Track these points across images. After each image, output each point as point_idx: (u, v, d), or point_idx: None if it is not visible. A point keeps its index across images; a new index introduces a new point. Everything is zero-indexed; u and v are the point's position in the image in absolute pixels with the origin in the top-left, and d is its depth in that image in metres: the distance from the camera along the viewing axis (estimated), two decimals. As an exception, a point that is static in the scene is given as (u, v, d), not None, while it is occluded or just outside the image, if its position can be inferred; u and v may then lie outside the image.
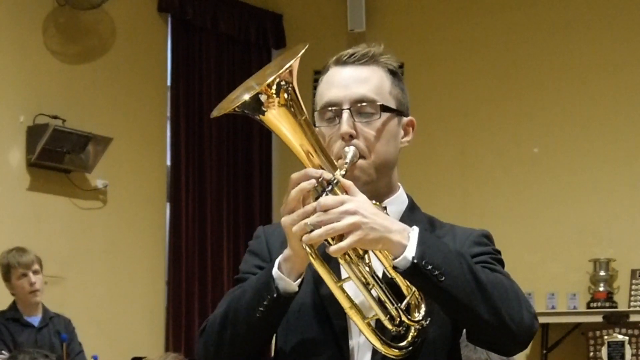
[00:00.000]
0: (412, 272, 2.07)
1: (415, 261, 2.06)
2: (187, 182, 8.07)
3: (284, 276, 2.17)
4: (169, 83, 8.12)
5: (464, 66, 8.23)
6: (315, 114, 2.32)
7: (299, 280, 2.19)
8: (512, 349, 2.19)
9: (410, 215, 2.34)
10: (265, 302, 2.17)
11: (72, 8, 7.25)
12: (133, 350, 6.93)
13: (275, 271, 2.18)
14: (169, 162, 8.07)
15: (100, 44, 7.62)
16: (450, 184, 8.14)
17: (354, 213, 2.07)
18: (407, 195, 2.39)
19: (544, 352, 7.57)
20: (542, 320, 7.60)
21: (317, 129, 2.28)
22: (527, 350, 7.72)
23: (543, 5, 8.06)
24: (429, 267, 2.06)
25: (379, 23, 8.46)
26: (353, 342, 2.22)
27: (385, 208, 2.26)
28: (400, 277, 2.14)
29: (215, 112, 2.18)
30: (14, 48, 7.05)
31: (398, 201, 2.35)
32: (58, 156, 7.04)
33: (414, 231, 2.11)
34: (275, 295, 2.16)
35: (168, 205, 8.03)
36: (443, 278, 2.06)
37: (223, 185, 8.32)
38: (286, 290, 2.17)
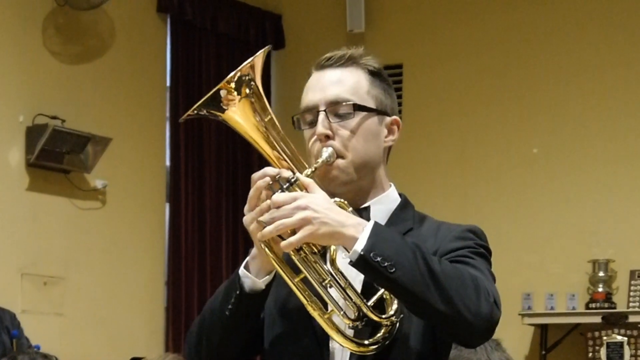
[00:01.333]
0: (362, 264, 2.08)
1: (362, 253, 2.07)
2: (186, 182, 8.07)
3: (250, 274, 2.22)
4: (168, 83, 8.12)
5: (464, 66, 8.22)
6: (298, 118, 2.35)
7: (267, 277, 2.23)
8: (472, 339, 2.18)
9: (400, 213, 2.35)
10: (232, 300, 2.22)
11: (71, 8, 7.24)
12: (132, 350, 6.93)
13: (241, 269, 2.24)
14: (168, 163, 8.07)
15: (99, 44, 7.62)
16: (450, 184, 8.14)
17: (304, 208, 2.09)
18: (400, 194, 2.40)
19: (543, 352, 7.57)
20: (540, 320, 7.62)
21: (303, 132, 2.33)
22: (525, 351, 7.74)
23: (543, 5, 8.05)
24: (378, 258, 2.07)
25: (378, 23, 8.46)
26: (334, 345, 2.23)
27: (368, 213, 2.28)
28: None
29: (182, 118, 2.24)
30: (13, 48, 7.05)
31: (387, 200, 2.36)
32: (57, 156, 7.03)
33: (369, 225, 2.12)
34: (238, 292, 2.21)
35: (167, 205, 8.03)
36: (393, 269, 2.07)
37: (222, 186, 8.32)
38: (252, 288, 2.22)
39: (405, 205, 2.38)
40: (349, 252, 2.11)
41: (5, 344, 5.91)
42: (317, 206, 2.10)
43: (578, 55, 7.91)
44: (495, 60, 8.15)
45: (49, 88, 7.20)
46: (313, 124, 2.30)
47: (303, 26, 8.77)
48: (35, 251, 7.04)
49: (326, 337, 2.23)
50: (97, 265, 7.42)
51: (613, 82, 7.79)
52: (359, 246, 2.08)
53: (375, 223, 2.13)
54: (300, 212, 2.09)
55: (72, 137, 7.07)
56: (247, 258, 2.25)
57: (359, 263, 2.08)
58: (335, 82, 2.31)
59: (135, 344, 7.46)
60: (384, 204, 2.35)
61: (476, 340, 2.19)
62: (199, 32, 8.29)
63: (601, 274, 7.56)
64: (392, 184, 2.40)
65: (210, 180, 8.23)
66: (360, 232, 2.10)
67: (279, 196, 2.12)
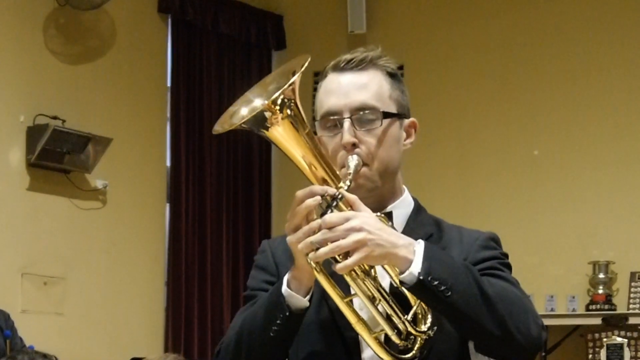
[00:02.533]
0: (419, 287, 2.07)
1: (421, 277, 2.06)
2: (186, 183, 8.07)
3: (294, 293, 2.17)
4: (169, 84, 8.12)
5: (465, 68, 8.22)
6: (316, 123, 2.31)
7: (309, 295, 2.19)
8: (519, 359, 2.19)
9: (417, 217, 2.34)
10: (278, 321, 2.17)
11: (72, 8, 7.25)
12: (132, 350, 6.93)
13: (285, 289, 2.18)
14: (168, 163, 8.07)
15: (100, 45, 7.62)
16: (450, 186, 8.14)
17: (359, 230, 2.06)
18: (412, 197, 2.39)
19: (543, 354, 7.56)
20: (541, 322, 7.61)
21: (317, 137, 2.28)
22: (526, 353, 7.73)
23: (543, 7, 8.06)
24: (435, 282, 2.06)
25: (379, 24, 8.46)
26: (364, 356, 2.22)
27: (391, 218, 2.26)
28: None
29: (219, 128, 2.18)
30: (15, 48, 7.05)
31: (403, 204, 2.35)
32: (58, 156, 7.03)
33: (420, 245, 2.10)
34: (287, 313, 2.16)
35: (168, 206, 8.02)
36: (449, 293, 2.06)
37: (223, 186, 8.32)
38: (297, 307, 2.18)
39: (419, 209, 2.37)
40: (398, 272, 2.10)
41: None
42: (370, 227, 2.07)
43: (579, 57, 7.91)
44: (496, 62, 8.15)
45: (49, 88, 7.21)
46: (334, 129, 2.27)
47: (304, 27, 8.77)
48: (36, 251, 7.04)
49: (357, 349, 2.22)
50: (97, 265, 7.42)
51: (614, 84, 7.79)
52: (416, 269, 2.07)
53: (426, 244, 2.12)
54: (355, 234, 2.05)
55: (72, 137, 7.07)
56: (287, 276, 2.19)
57: (416, 286, 2.07)
58: (359, 87, 2.27)
59: (135, 344, 7.46)
60: (402, 208, 2.34)
61: None
62: (200, 32, 8.29)
63: (601, 275, 7.56)
64: (406, 188, 2.39)
65: (210, 180, 8.23)
66: (412, 254, 2.08)
67: (331, 217, 2.07)
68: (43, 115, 7.08)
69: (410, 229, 2.27)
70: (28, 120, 7.04)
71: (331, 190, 2.12)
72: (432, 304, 2.12)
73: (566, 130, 7.89)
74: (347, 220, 2.07)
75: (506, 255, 2.30)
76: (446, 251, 2.21)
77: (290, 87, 2.14)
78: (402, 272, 2.09)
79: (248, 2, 8.63)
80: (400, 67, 8.29)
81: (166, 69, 8.12)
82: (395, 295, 2.16)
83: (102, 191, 7.48)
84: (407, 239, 2.12)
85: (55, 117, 7.10)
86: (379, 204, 2.27)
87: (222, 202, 8.29)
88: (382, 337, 2.16)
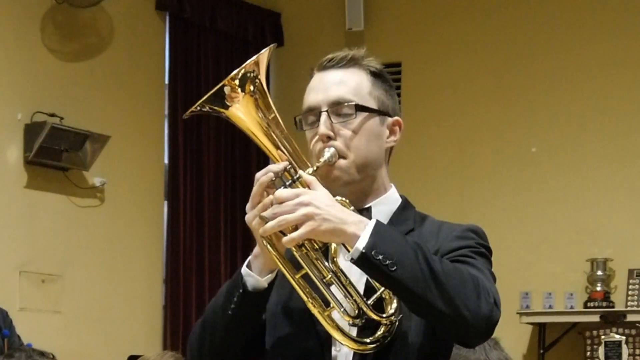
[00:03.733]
0: (363, 262, 2.09)
1: (364, 251, 2.07)
2: (184, 180, 8.06)
3: (253, 273, 2.22)
4: (166, 81, 8.11)
5: (463, 65, 8.22)
6: (300, 119, 2.35)
7: (269, 276, 2.22)
8: (471, 339, 2.18)
9: (401, 214, 2.35)
10: (235, 299, 2.22)
11: (70, 6, 7.24)
12: (130, 348, 6.92)
13: (243, 268, 2.24)
14: (166, 160, 8.06)
15: (98, 42, 7.61)
16: (448, 183, 8.14)
17: (307, 204, 2.09)
18: (400, 195, 2.40)
19: (541, 351, 7.57)
20: (539, 319, 7.62)
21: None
22: (524, 350, 7.74)
23: (542, 5, 8.06)
24: (379, 257, 2.07)
25: (377, 22, 8.45)
26: (337, 347, 2.23)
27: (367, 210, 2.28)
28: None
29: (186, 114, 2.25)
30: (12, 45, 7.04)
31: (387, 201, 2.36)
32: (55, 154, 7.03)
33: (371, 223, 2.12)
34: (241, 291, 2.21)
35: (166, 203, 8.02)
36: (395, 268, 2.07)
37: (221, 184, 8.32)
38: (255, 287, 2.22)
39: (405, 206, 2.38)
40: (349, 250, 2.11)
41: None
42: (319, 202, 2.10)
43: (577, 53, 7.91)
44: (494, 59, 8.15)
45: (47, 85, 7.20)
46: (315, 124, 2.30)
47: (302, 24, 8.76)
48: (33, 249, 7.04)
49: (329, 340, 2.22)
50: (95, 263, 7.41)
51: (612, 81, 7.79)
52: (361, 244, 2.08)
53: (377, 221, 2.13)
54: (303, 208, 2.09)
55: (70, 134, 7.06)
56: (250, 257, 2.25)
57: (360, 261, 2.08)
58: (337, 83, 2.31)
59: (133, 341, 7.46)
60: (385, 204, 2.35)
61: (475, 340, 2.19)
62: (198, 30, 8.28)
63: (599, 272, 7.56)
64: (393, 185, 2.40)
65: (208, 177, 8.23)
66: (362, 230, 2.10)
67: (281, 192, 2.12)
68: (41, 112, 7.07)
69: (393, 225, 2.28)
70: (25, 118, 7.04)
71: (284, 166, 2.16)
72: (379, 280, 2.14)
73: (564, 128, 7.89)
74: (298, 195, 2.11)
75: (484, 246, 2.29)
76: (399, 231, 2.21)
77: (253, 62, 2.18)
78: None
79: (246, -1, 8.63)
80: (397, 65, 8.30)
81: (164, 67, 8.11)
82: (370, 286, 2.19)
83: (99, 189, 7.48)
84: (359, 217, 2.14)
85: (52, 115, 7.09)
86: (359, 199, 2.30)
87: (220, 200, 8.29)
88: (353, 329, 2.17)
